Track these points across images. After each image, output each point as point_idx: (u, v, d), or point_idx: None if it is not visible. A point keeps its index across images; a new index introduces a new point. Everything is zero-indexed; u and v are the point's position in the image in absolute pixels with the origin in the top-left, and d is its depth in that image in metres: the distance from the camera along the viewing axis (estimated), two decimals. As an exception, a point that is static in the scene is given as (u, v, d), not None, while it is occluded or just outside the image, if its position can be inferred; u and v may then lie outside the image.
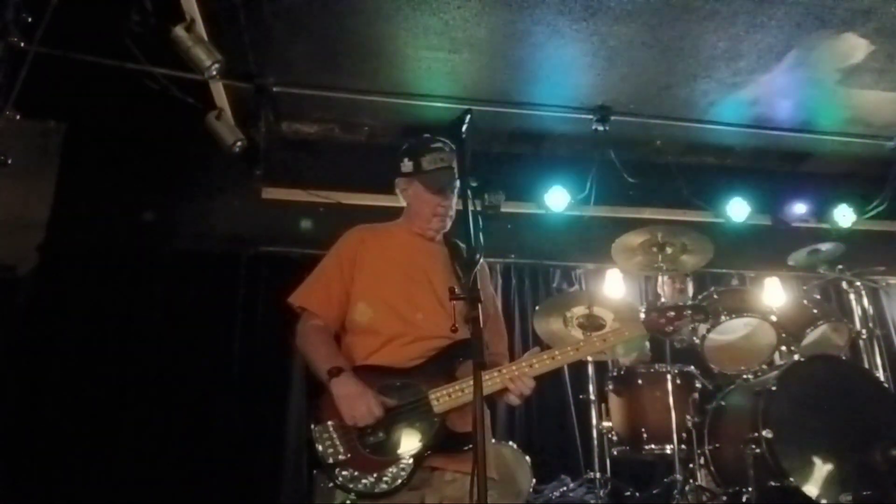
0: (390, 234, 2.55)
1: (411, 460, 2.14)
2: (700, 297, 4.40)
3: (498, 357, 2.48)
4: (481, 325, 1.89)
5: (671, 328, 2.42)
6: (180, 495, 4.34)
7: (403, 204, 2.59)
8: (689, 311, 2.45)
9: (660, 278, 4.30)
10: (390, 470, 2.13)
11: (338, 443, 2.17)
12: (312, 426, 2.19)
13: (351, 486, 2.12)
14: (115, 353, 4.63)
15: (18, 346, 4.50)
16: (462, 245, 2.49)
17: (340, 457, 2.15)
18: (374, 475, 2.13)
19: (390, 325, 2.34)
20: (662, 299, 4.27)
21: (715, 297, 4.30)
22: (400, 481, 2.12)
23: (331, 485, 2.17)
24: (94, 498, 4.22)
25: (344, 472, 2.13)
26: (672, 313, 2.44)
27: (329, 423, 2.19)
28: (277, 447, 4.68)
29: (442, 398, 2.20)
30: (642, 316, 2.46)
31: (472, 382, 2.02)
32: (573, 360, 2.36)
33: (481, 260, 2.05)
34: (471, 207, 2.03)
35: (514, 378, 2.23)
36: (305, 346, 2.37)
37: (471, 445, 2.06)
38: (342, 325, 2.43)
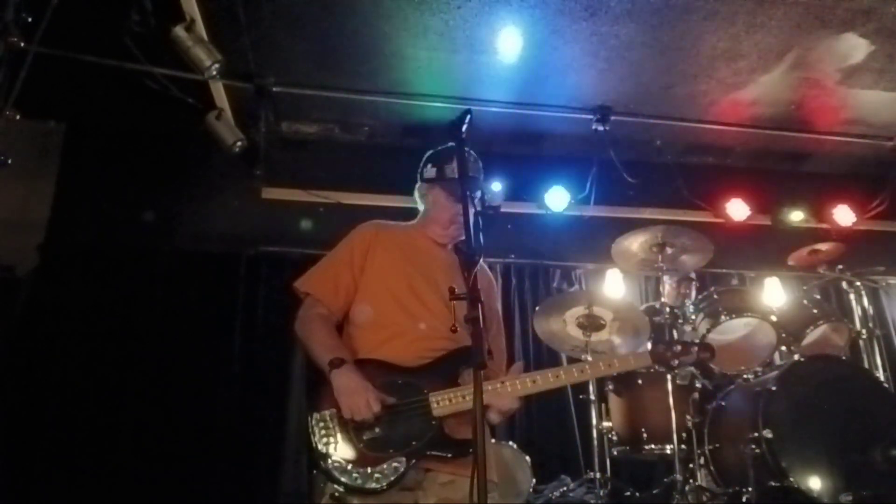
0: (405, 234, 2.56)
1: (403, 459, 2.13)
2: (700, 297, 4.40)
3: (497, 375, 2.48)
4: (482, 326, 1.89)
5: (676, 362, 2.45)
6: (180, 495, 4.34)
7: (420, 207, 2.61)
8: (696, 349, 2.47)
9: (665, 280, 4.30)
10: (382, 467, 2.12)
11: (334, 432, 2.15)
12: (311, 413, 2.18)
13: (342, 478, 2.11)
14: (115, 353, 4.63)
15: (18, 346, 4.50)
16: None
17: (333, 447, 2.14)
18: (366, 470, 2.11)
19: (396, 321, 2.34)
20: (663, 299, 4.27)
21: (715, 297, 4.30)
22: (391, 480, 2.11)
23: (318, 473, 2.15)
24: (94, 498, 4.22)
25: (335, 464, 2.12)
26: (678, 347, 2.47)
27: (326, 412, 2.18)
28: (277, 447, 4.68)
29: (442, 402, 2.20)
30: (649, 346, 2.48)
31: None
32: (577, 382, 2.36)
33: (481, 261, 2.05)
34: (471, 208, 2.03)
35: (499, 395, 2.23)
36: (307, 332, 2.36)
37: (466, 453, 2.09)
38: (345, 316, 2.42)
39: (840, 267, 4.66)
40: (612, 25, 4.21)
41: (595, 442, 4.17)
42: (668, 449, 3.85)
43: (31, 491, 4.21)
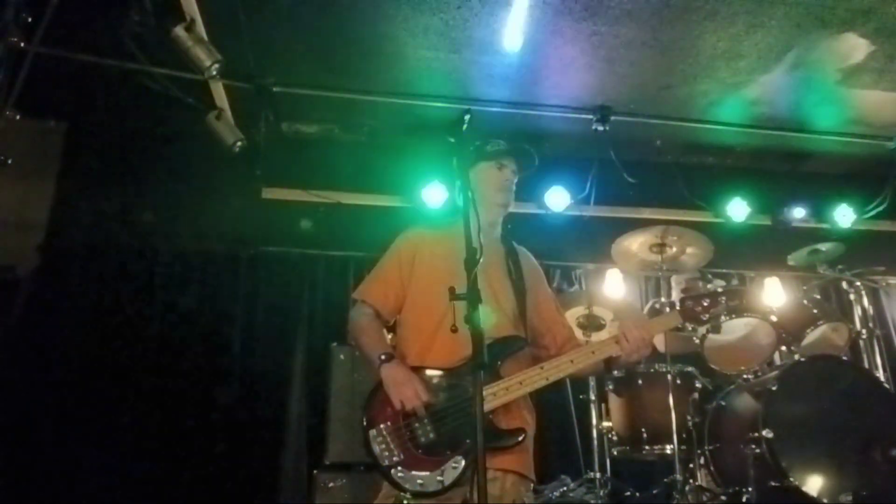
0: (449, 237, 2.54)
1: (462, 458, 2.22)
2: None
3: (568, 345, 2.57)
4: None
5: (707, 316, 2.48)
6: (180, 495, 4.34)
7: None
8: (724, 297, 2.49)
9: (672, 279, 4.31)
10: (443, 468, 2.22)
11: (391, 444, 2.27)
12: (367, 430, 2.30)
13: (407, 485, 2.23)
14: (115, 352, 4.62)
15: (18, 346, 4.50)
16: (520, 247, 2.76)
17: (395, 458, 2.25)
18: (427, 473, 2.23)
19: (441, 325, 2.38)
20: (673, 298, 4.27)
21: (715, 297, 4.29)
22: (453, 479, 2.20)
23: (387, 484, 2.28)
24: (94, 497, 4.22)
25: (399, 473, 2.24)
26: (707, 301, 2.49)
27: (381, 426, 2.30)
28: (277, 447, 4.68)
29: (488, 397, 2.24)
30: (678, 306, 2.50)
31: (517, 380, 2.27)
32: (609, 355, 2.42)
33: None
34: (471, 207, 2.04)
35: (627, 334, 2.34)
36: (357, 336, 2.56)
37: (518, 440, 2.26)
38: (396, 321, 2.59)
39: (840, 267, 4.65)
40: (612, 25, 4.21)
41: (595, 442, 4.17)
42: (668, 449, 3.85)
43: (31, 491, 4.21)
